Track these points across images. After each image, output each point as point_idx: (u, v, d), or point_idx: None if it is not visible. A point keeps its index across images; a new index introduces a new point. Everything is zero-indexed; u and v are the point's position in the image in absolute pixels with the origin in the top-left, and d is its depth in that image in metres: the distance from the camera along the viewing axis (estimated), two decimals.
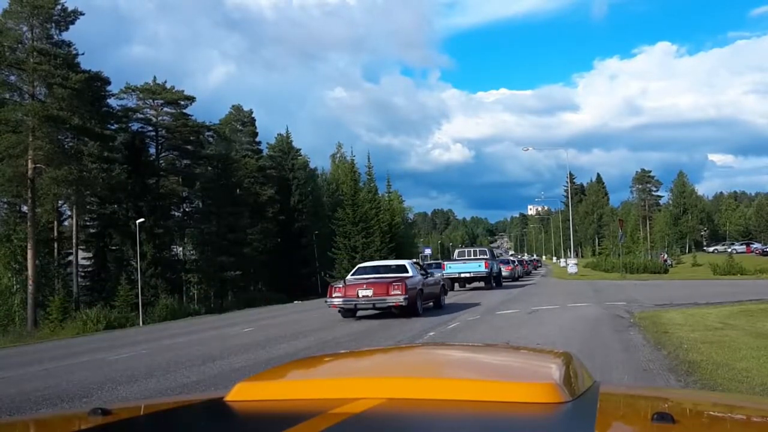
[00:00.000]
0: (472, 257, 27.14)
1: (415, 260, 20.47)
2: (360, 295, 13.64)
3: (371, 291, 13.58)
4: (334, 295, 13.99)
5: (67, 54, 32.97)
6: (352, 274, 15.42)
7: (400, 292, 13.37)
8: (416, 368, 1.69)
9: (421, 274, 15.41)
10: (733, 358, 6.49)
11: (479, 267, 25.62)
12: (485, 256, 26.86)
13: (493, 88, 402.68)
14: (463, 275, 25.66)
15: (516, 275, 35.59)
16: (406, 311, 13.71)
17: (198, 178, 45.00)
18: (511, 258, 45.55)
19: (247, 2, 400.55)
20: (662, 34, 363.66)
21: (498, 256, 36.28)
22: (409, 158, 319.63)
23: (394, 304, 13.48)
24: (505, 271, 31.64)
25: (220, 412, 1.36)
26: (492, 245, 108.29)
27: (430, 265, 29.17)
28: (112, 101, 40.01)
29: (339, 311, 14.24)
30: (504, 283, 29.05)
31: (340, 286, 14.19)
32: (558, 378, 1.32)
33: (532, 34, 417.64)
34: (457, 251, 30.25)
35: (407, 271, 14.86)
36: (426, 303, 15.08)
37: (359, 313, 14.22)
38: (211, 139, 47.02)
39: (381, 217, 48.37)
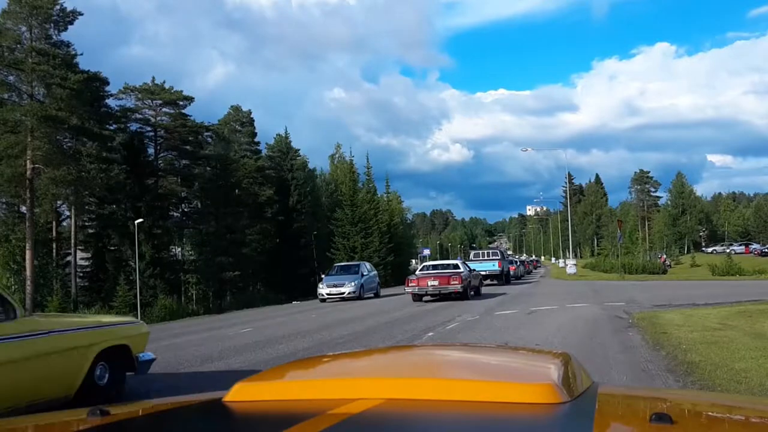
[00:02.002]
0: (487, 258, 30.82)
1: (462, 260, 25.31)
2: (428, 285, 18.24)
3: (437, 282, 18.30)
4: (410, 285, 18.85)
5: (65, 54, 32.93)
6: (419, 270, 20.81)
7: (458, 282, 18.00)
8: (415, 369, 1.69)
9: (468, 270, 20.01)
10: (732, 359, 6.49)
11: (493, 266, 29.25)
12: (498, 257, 30.62)
13: (492, 89, 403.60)
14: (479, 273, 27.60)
15: (519, 274, 39.48)
16: (462, 296, 18.12)
17: (197, 178, 44.94)
18: (513, 259, 47.34)
19: (248, 2, 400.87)
20: (661, 35, 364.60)
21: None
22: (408, 158, 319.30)
23: (453, 290, 17.93)
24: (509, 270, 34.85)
25: (219, 413, 1.36)
26: (490, 246, 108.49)
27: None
28: (110, 101, 40.04)
29: (411, 296, 18.87)
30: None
31: (414, 278, 19.16)
32: (556, 379, 1.32)
33: (531, 34, 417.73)
34: (473, 252, 34.84)
35: (459, 268, 19.70)
36: (470, 291, 19.31)
37: (425, 298, 18.73)
38: (209, 140, 46.95)
39: (380, 218, 48.36)
